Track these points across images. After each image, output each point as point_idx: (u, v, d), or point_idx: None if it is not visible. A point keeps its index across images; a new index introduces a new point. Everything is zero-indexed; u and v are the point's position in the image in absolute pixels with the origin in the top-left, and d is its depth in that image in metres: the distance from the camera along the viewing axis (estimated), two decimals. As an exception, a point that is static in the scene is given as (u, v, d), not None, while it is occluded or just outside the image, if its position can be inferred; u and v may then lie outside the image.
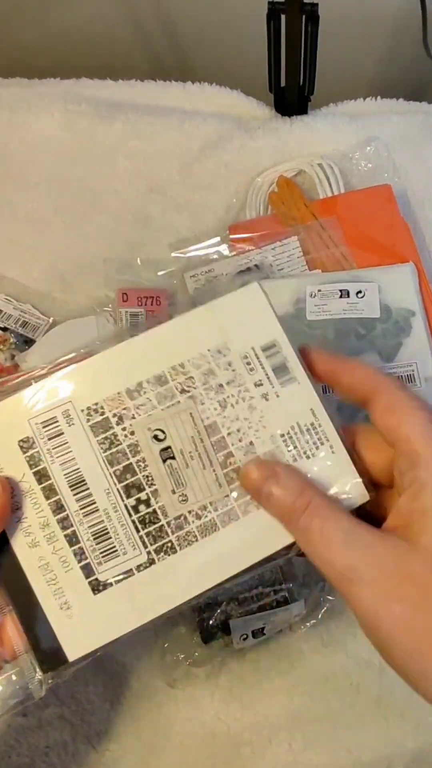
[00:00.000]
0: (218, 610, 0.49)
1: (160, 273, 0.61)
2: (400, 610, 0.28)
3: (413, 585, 0.28)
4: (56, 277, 0.62)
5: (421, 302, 0.56)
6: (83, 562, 0.33)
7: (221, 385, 0.33)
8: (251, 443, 0.33)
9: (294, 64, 0.62)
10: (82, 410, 0.33)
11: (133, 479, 0.33)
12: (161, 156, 0.67)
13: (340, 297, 0.56)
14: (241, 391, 0.33)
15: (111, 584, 0.33)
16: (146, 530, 0.33)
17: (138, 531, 0.33)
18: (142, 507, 0.33)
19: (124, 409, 0.33)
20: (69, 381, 0.33)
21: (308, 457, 0.33)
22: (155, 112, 0.68)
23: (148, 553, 0.33)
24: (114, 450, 0.33)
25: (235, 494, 0.33)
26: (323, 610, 0.51)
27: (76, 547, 0.33)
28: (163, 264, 0.61)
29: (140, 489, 0.33)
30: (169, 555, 0.33)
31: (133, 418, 0.33)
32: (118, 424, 0.33)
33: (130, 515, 0.33)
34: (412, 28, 0.71)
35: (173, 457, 0.33)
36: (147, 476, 0.33)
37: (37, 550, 0.32)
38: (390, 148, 0.66)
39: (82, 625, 0.32)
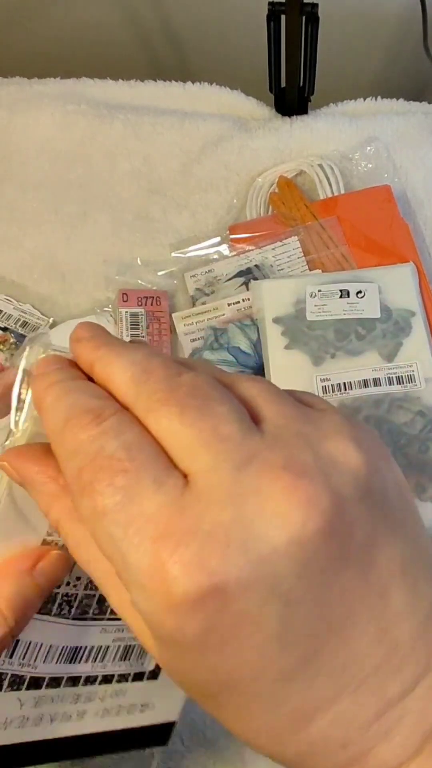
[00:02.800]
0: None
1: (160, 273, 0.61)
2: None
3: None
4: (56, 277, 0.62)
5: (421, 302, 0.56)
6: None
7: None
8: None
9: (294, 64, 0.62)
10: None
11: None
12: (161, 156, 0.67)
13: (340, 297, 0.56)
14: None
15: None
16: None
17: None
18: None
19: None
20: None
21: None
22: (155, 112, 0.68)
23: None
24: None
25: None
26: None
27: None
28: (163, 264, 0.61)
29: None
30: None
31: None
32: None
33: None
34: (412, 28, 0.71)
35: None
36: None
37: None
38: (390, 148, 0.66)
39: None
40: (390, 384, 0.53)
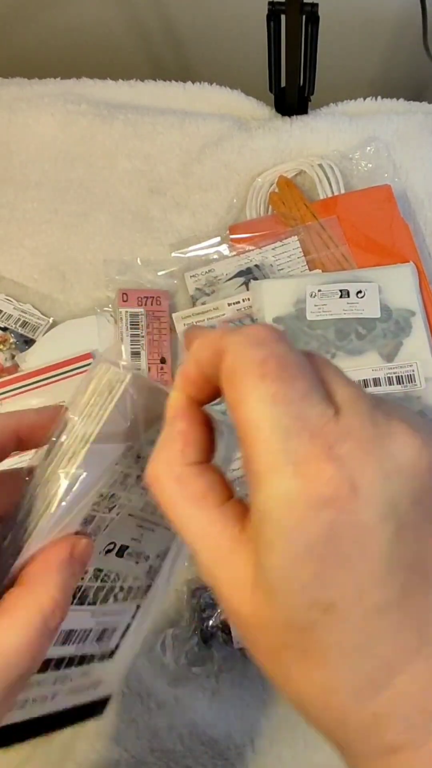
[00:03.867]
0: (218, 610, 0.49)
1: (160, 273, 0.61)
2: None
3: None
4: (56, 277, 0.62)
5: (421, 302, 0.56)
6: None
7: (139, 476, 0.30)
8: None
9: (294, 64, 0.62)
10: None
11: (106, 590, 0.33)
12: (161, 156, 0.67)
13: (340, 297, 0.56)
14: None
15: None
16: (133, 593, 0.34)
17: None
18: (119, 594, 0.33)
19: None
20: None
21: None
22: (155, 112, 0.68)
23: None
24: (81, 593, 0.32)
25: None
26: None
27: None
28: (163, 264, 0.61)
29: (112, 590, 0.33)
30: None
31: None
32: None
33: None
34: (412, 28, 0.71)
35: (128, 547, 0.32)
36: (114, 576, 0.33)
37: None
38: (390, 148, 0.66)
39: None
40: (390, 384, 0.53)
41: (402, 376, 0.53)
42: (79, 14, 0.82)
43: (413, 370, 0.53)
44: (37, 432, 0.29)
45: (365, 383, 0.53)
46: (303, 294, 0.56)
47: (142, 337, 0.57)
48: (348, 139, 0.67)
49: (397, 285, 0.57)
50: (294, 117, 0.68)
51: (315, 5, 0.58)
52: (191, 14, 0.82)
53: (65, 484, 0.27)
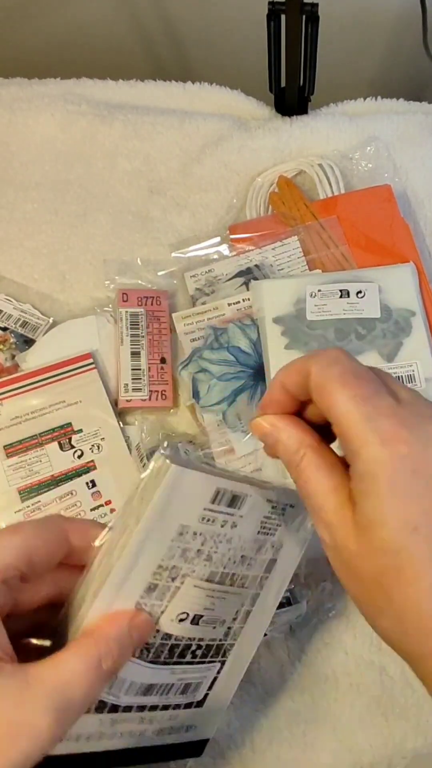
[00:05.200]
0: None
1: (160, 273, 0.61)
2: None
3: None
4: (56, 277, 0.62)
5: (421, 302, 0.56)
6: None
7: (199, 550, 0.35)
8: (242, 556, 0.36)
9: (294, 64, 0.62)
10: None
11: (180, 649, 0.36)
12: (161, 156, 0.67)
13: (340, 297, 0.56)
14: (215, 540, 0.35)
15: None
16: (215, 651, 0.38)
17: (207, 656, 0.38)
18: (197, 652, 0.37)
19: None
20: None
21: (284, 521, 0.37)
22: (155, 112, 0.68)
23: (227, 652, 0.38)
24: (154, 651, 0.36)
25: (250, 587, 0.38)
26: (325, 611, 0.51)
27: None
28: (163, 264, 0.61)
29: (188, 648, 0.37)
30: (237, 639, 0.39)
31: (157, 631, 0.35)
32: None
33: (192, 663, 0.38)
34: (412, 28, 0.71)
35: (202, 616, 0.36)
36: (188, 641, 0.36)
37: None
38: (390, 148, 0.66)
39: None
40: (390, 384, 0.53)
41: (402, 376, 0.53)
42: (79, 14, 0.82)
43: (413, 370, 0.53)
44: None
45: (365, 383, 0.53)
46: (303, 294, 0.56)
47: (142, 337, 0.57)
48: (348, 139, 0.67)
49: (397, 285, 0.57)
50: (294, 117, 0.68)
51: (315, 5, 0.58)
52: (191, 14, 0.82)
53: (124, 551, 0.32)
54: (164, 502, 0.33)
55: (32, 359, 0.57)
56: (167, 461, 0.33)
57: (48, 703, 0.28)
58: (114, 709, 0.35)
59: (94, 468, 0.53)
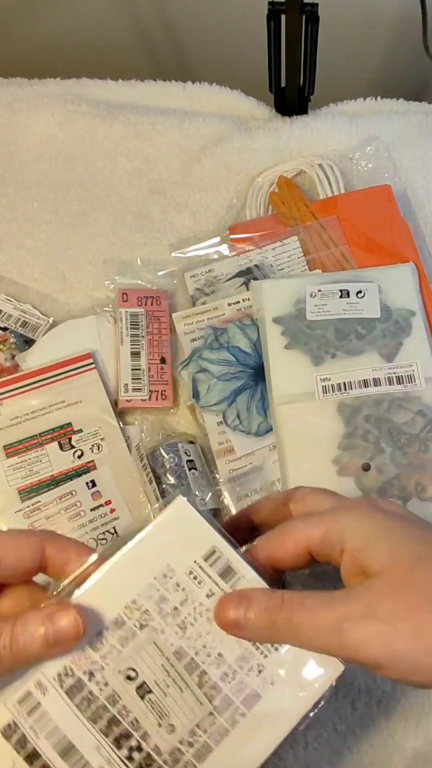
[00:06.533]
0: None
1: (160, 273, 0.61)
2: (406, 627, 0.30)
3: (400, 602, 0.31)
4: (56, 277, 0.62)
5: (421, 302, 0.56)
6: None
7: (176, 608, 0.33)
8: (220, 654, 0.33)
9: (294, 64, 0.62)
10: (54, 677, 0.33)
11: (119, 730, 0.32)
12: (161, 156, 0.67)
13: (340, 297, 0.56)
14: (196, 608, 0.33)
15: None
16: None
17: None
18: (135, 754, 0.32)
19: (93, 663, 0.33)
20: None
21: (277, 649, 0.33)
22: (155, 112, 0.68)
23: None
24: (94, 707, 0.32)
25: (219, 710, 0.33)
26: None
27: None
28: (163, 264, 0.61)
29: (129, 737, 0.32)
30: None
31: (103, 669, 0.33)
32: (90, 680, 0.33)
33: (127, 766, 0.32)
34: (412, 28, 0.71)
35: (150, 691, 0.33)
36: (132, 722, 0.33)
37: None
38: (390, 148, 0.66)
39: None
40: (390, 384, 0.53)
41: (402, 376, 0.53)
42: (79, 14, 0.82)
43: (413, 370, 0.53)
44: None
45: (365, 383, 0.53)
46: (303, 294, 0.56)
47: (142, 337, 0.57)
48: (348, 139, 0.67)
49: (397, 285, 0.57)
50: (294, 117, 0.68)
51: (315, 5, 0.58)
52: (191, 14, 0.82)
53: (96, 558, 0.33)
54: (161, 528, 0.33)
55: (32, 359, 0.57)
56: (178, 493, 0.33)
57: None
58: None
59: (94, 468, 0.53)
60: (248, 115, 0.70)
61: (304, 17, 0.58)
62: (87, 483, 0.53)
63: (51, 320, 0.60)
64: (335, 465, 0.51)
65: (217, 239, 0.62)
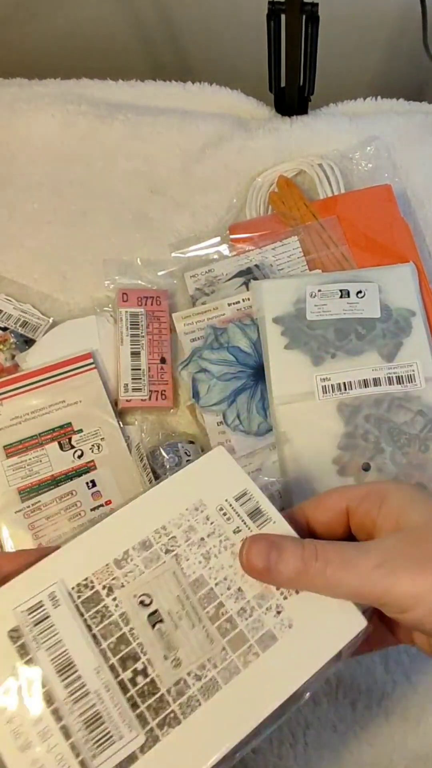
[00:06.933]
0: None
1: (160, 273, 0.61)
2: None
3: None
4: (56, 277, 0.62)
5: (421, 302, 0.56)
6: (79, 758, 0.30)
7: (203, 539, 0.34)
8: (239, 589, 0.33)
9: (294, 64, 0.62)
10: (73, 588, 0.33)
11: (127, 650, 0.32)
12: (161, 156, 0.67)
13: (340, 297, 0.56)
14: (222, 541, 0.34)
15: None
16: (146, 703, 0.31)
17: (136, 707, 0.31)
18: (139, 678, 0.31)
19: (113, 579, 0.33)
20: (56, 562, 0.34)
21: (298, 593, 0.33)
22: (155, 112, 0.68)
23: (150, 731, 0.30)
24: (106, 622, 0.32)
25: (232, 646, 0.32)
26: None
27: (71, 740, 0.30)
28: (163, 264, 0.61)
29: (136, 659, 0.32)
30: (173, 727, 0.30)
31: (122, 586, 0.33)
32: (108, 595, 0.33)
33: (126, 691, 0.31)
34: (412, 28, 0.71)
35: (162, 620, 0.33)
36: (139, 644, 0.32)
37: (29, 752, 0.30)
38: (390, 148, 0.66)
39: None
40: (390, 384, 0.53)
41: (402, 376, 0.53)
42: (79, 14, 0.82)
43: (413, 370, 0.53)
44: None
45: (365, 383, 0.53)
46: (303, 294, 0.56)
47: (142, 337, 0.57)
48: (348, 139, 0.67)
49: (397, 285, 0.57)
50: (294, 117, 0.68)
51: (315, 5, 0.58)
52: (191, 14, 0.82)
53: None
54: (198, 470, 0.36)
55: (32, 359, 0.57)
56: (219, 446, 0.36)
57: None
58: None
59: (94, 468, 0.53)
60: (248, 115, 0.70)
61: (304, 17, 0.58)
62: (87, 483, 0.53)
63: (51, 320, 0.60)
64: (335, 465, 0.51)
65: (217, 239, 0.62)
